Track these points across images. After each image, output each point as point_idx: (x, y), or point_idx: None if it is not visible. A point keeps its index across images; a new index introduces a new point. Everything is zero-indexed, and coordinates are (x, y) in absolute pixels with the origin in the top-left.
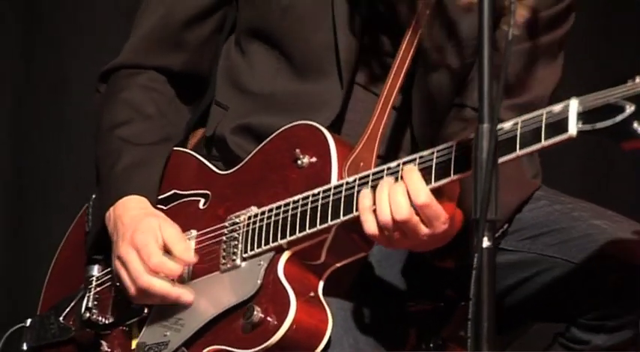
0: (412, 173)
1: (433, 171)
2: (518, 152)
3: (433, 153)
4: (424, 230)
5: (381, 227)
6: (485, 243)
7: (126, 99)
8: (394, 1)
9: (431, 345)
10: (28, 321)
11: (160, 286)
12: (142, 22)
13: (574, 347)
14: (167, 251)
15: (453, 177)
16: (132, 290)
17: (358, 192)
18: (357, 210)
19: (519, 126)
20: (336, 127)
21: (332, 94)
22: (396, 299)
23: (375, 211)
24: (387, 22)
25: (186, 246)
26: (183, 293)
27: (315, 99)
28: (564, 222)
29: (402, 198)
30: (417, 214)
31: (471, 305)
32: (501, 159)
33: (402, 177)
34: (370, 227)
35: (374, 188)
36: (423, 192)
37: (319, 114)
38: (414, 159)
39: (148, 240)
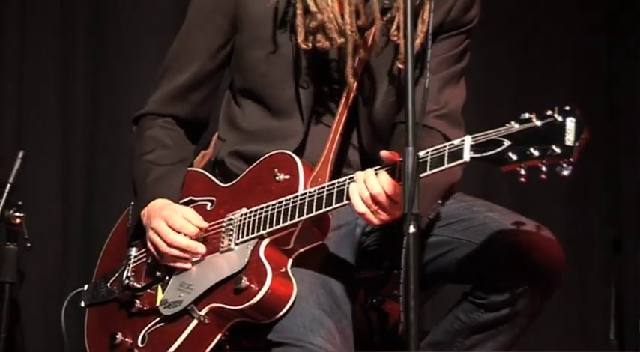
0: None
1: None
2: (428, 171)
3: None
4: (390, 204)
5: (365, 204)
6: (412, 229)
7: (151, 135)
8: (337, 64)
9: (374, 301)
10: (86, 286)
11: (183, 240)
12: (161, 83)
13: (476, 302)
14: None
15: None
16: (163, 247)
17: (318, 199)
18: (316, 211)
19: (429, 154)
20: (300, 150)
21: (296, 129)
22: (348, 269)
23: (360, 196)
24: (332, 77)
25: (200, 217)
26: (199, 246)
27: (285, 133)
28: (467, 214)
29: (374, 182)
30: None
31: (402, 272)
32: (421, 175)
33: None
34: (359, 207)
35: (332, 194)
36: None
37: (288, 143)
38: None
39: (172, 213)
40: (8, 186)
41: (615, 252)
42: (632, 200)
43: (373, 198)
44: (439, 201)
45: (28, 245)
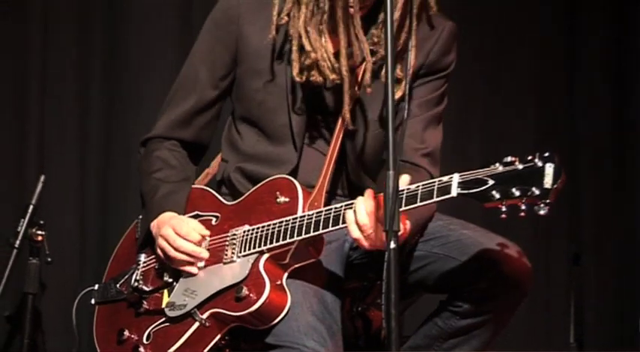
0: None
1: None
2: (419, 203)
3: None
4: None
5: (360, 229)
6: (392, 245)
7: (158, 156)
8: (331, 95)
9: (359, 309)
10: (96, 286)
11: (189, 245)
12: (167, 108)
13: (452, 310)
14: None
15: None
16: (171, 252)
17: (315, 222)
18: (312, 232)
19: (420, 188)
20: (294, 174)
21: (290, 154)
22: (337, 280)
23: (356, 223)
24: (325, 107)
25: (203, 227)
26: (203, 252)
27: (280, 157)
28: (445, 232)
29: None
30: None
31: (384, 283)
32: (410, 207)
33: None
34: (354, 233)
35: (328, 219)
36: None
37: (283, 166)
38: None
39: (179, 222)
40: (31, 207)
41: (574, 265)
42: (590, 219)
43: (366, 226)
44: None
45: (49, 259)
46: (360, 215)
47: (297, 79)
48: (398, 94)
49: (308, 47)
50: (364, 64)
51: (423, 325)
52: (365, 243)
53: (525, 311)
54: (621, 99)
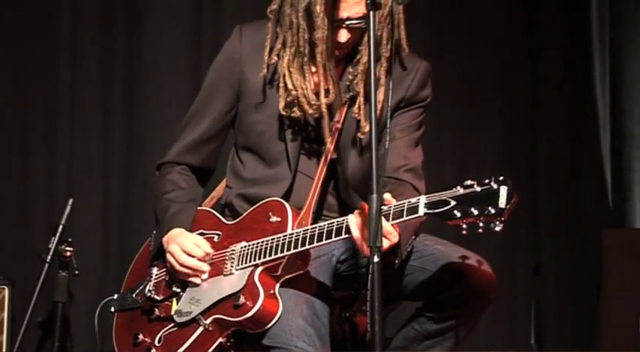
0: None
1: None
2: (391, 222)
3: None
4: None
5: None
6: (375, 259)
7: (170, 179)
8: (317, 127)
9: (347, 315)
10: (115, 296)
11: (192, 261)
12: (180, 138)
13: (427, 315)
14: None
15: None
16: (177, 266)
17: (303, 238)
18: (300, 247)
19: (392, 209)
20: (288, 194)
21: (285, 176)
22: (326, 289)
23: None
24: (313, 137)
25: (208, 244)
26: (203, 266)
27: (277, 176)
28: (420, 247)
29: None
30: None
31: (369, 293)
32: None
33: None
34: (357, 235)
35: (313, 236)
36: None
37: (279, 187)
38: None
39: (185, 240)
40: (60, 226)
41: (535, 275)
42: (548, 233)
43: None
44: (413, 237)
45: (76, 272)
46: (355, 229)
47: (283, 113)
48: (366, 129)
49: (290, 86)
50: (342, 101)
51: (402, 328)
52: (365, 247)
53: (492, 316)
54: (578, 115)
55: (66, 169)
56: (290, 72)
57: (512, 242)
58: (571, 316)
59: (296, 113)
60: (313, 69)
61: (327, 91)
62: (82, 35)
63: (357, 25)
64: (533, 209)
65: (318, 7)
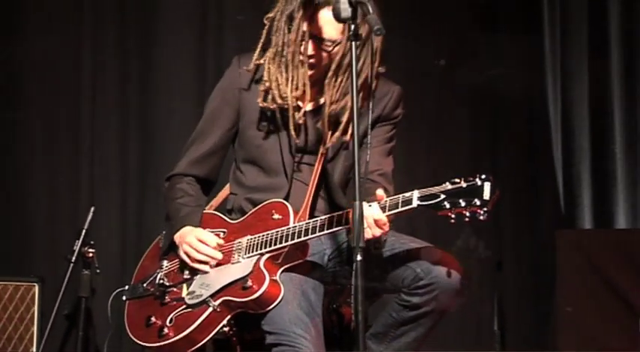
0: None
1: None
2: (387, 213)
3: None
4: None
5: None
6: (359, 257)
7: (180, 188)
8: (310, 138)
9: (334, 306)
10: (126, 286)
11: (208, 249)
12: (187, 152)
13: (403, 303)
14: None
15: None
16: (194, 254)
17: (299, 232)
18: (298, 239)
19: (388, 201)
20: (286, 200)
21: (283, 184)
22: (318, 284)
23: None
24: (307, 148)
25: (217, 237)
26: (218, 254)
27: (275, 187)
28: (397, 245)
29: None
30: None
31: (353, 287)
32: (388, 213)
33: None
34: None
35: (308, 229)
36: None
37: (278, 193)
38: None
39: (201, 232)
40: (83, 231)
41: (498, 270)
42: (509, 234)
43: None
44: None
45: (98, 271)
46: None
47: (261, 105)
48: (346, 138)
49: (265, 77)
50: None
51: (381, 316)
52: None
53: (460, 305)
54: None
55: (88, 183)
56: (269, 68)
57: (478, 241)
58: (529, 305)
59: (271, 105)
60: (290, 68)
61: (296, 86)
62: (101, 60)
63: (325, 46)
64: (496, 212)
65: (298, 16)
